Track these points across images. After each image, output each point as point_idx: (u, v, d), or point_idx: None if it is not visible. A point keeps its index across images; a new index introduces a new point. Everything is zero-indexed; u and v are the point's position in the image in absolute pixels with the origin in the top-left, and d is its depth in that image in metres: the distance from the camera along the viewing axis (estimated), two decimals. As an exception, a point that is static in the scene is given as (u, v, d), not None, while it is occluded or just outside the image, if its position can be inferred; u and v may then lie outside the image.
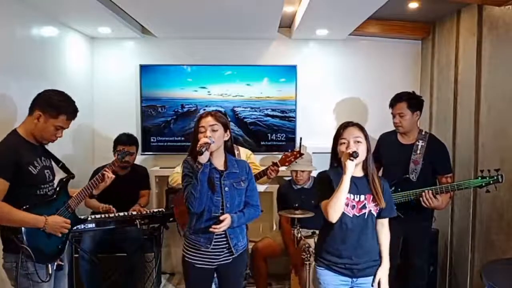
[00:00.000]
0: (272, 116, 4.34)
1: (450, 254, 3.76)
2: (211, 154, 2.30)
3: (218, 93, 4.31)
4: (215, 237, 2.34)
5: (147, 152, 4.32)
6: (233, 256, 2.40)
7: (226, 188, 2.35)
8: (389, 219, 2.34)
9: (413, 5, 3.62)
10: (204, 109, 4.16)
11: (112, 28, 3.95)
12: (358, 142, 2.20)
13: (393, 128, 3.19)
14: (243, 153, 3.48)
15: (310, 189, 3.68)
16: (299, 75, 4.32)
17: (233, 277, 2.46)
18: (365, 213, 2.22)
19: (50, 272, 2.28)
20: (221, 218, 2.28)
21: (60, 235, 2.33)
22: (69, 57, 3.91)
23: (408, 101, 3.07)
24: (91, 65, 4.36)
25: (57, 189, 2.42)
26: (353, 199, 2.21)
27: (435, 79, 4.09)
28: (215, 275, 2.48)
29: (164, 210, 3.60)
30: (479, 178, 2.78)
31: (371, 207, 2.22)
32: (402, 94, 3.13)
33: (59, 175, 2.53)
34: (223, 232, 2.35)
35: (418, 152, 3.04)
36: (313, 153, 3.78)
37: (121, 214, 3.41)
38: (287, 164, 3.32)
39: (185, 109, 4.31)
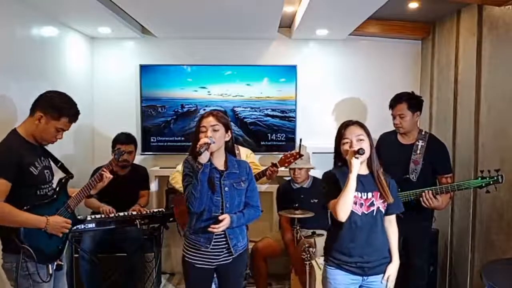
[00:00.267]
0: (272, 116, 4.34)
1: (450, 254, 3.76)
2: (211, 154, 2.30)
3: (218, 93, 4.31)
4: (214, 237, 2.34)
5: (147, 152, 4.32)
6: (233, 256, 2.40)
7: (226, 188, 2.35)
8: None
9: (413, 5, 3.62)
10: (204, 109, 4.16)
11: (112, 28, 3.95)
12: (361, 140, 2.20)
13: (393, 128, 3.19)
14: (243, 152, 3.48)
15: (309, 189, 3.68)
16: (299, 75, 4.32)
17: (232, 277, 2.46)
18: (373, 210, 2.21)
19: (51, 272, 2.28)
20: (220, 218, 2.28)
21: (61, 235, 2.34)
22: (69, 57, 3.91)
23: (408, 102, 3.07)
24: (91, 65, 4.37)
25: (57, 189, 2.43)
26: (361, 197, 2.20)
27: (435, 79, 4.09)
28: (215, 275, 2.48)
29: (164, 210, 3.60)
30: (479, 178, 2.78)
31: (379, 204, 2.22)
32: (402, 95, 3.13)
33: (58, 174, 2.53)
34: (223, 232, 2.35)
35: (418, 152, 3.04)
36: (313, 153, 3.78)
37: (121, 214, 3.41)
38: (286, 165, 3.32)
39: (185, 109, 4.31)
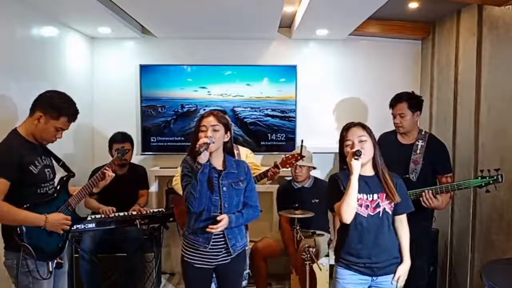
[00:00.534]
0: (272, 116, 4.34)
1: (450, 254, 3.76)
2: (210, 154, 2.30)
3: (218, 93, 4.31)
4: (213, 237, 2.34)
5: (147, 152, 4.32)
6: (231, 256, 2.40)
7: (224, 188, 2.35)
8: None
9: (413, 5, 3.62)
10: (204, 109, 4.16)
11: (112, 28, 3.95)
12: (363, 141, 2.20)
13: (393, 128, 3.19)
14: (243, 152, 3.48)
15: (311, 189, 3.68)
16: (299, 75, 4.32)
17: (232, 277, 2.46)
18: (379, 211, 2.21)
19: (51, 269, 2.29)
20: (219, 218, 2.28)
21: (61, 232, 2.35)
22: (69, 57, 3.91)
23: (409, 101, 3.07)
24: (91, 65, 4.37)
25: (58, 187, 2.44)
26: (366, 198, 2.20)
27: (435, 79, 4.09)
28: (215, 275, 2.48)
29: (164, 210, 3.60)
30: (479, 178, 2.78)
31: (385, 205, 2.22)
32: (402, 94, 3.13)
33: (60, 173, 2.54)
34: (221, 232, 2.35)
35: (418, 152, 3.04)
36: (313, 153, 3.78)
37: (121, 214, 3.41)
38: (287, 166, 3.32)
39: (185, 109, 4.31)
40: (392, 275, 2.25)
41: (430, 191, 2.85)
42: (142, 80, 4.29)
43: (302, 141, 3.36)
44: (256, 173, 3.29)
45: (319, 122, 4.40)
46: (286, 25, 4.27)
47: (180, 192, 3.23)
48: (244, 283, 3.42)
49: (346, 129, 2.27)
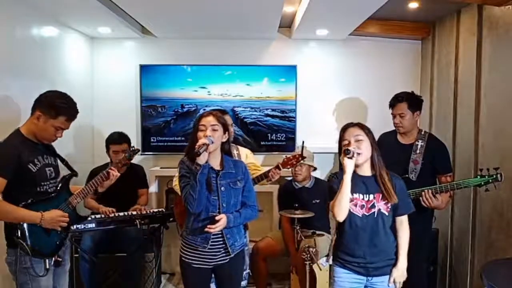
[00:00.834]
0: (272, 116, 4.34)
1: (450, 254, 3.76)
2: (208, 154, 2.30)
3: (218, 93, 4.31)
4: (212, 237, 2.34)
5: (147, 152, 4.32)
6: (230, 256, 2.40)
7: (222, 188, 2.35)
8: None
9: (413, 5, 3.62)
10: (204, 109, 4.16)
11: (112, 28, 3.95)
12: (359, 140, 2.21)
13: (393, 128, 3.19)
14: (243, 152, 3.48)
15: (311, 189, 3.68)
16: (299, 75, 4.32)
17: (230, 277, 2.46)
18: (374, 212, 2.21)
19: (48, 267, 2.31)
20: (217, 218, 2.28)
21: (59, 229, 2.36)
22: (69, 57, 3.91)
23: (408, 101, 3.08)
24: (91, 65, 4.37)
25: (59, 186, 2.45)
26: (363, 198, 2.21)
27: (435, 79, 4.09)
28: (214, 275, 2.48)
29: (164, 210, 3.60)
30: (479, 177, 2.78)
31: (381, 206, 2.22)
32: (402, 94, 3.13)
33: (65, 173, 2.56)
34: (220, 232, 2.35)
35: (418, 151, 3.04)
36: (313, 153, 3.78)
37: (121, 214, 3.41)
38: (288, 167, 3.32)
39: (185, 109, 4.31)
40: (388, 276, 2.25)
41: (430, 191, 2.85)
42: (142, 80, 4.29)
43: (303, 142, 3.36)
44: (256, 174, 3.29)
45: (319, 122, 4.40)
46: (286, 25, 4.27)
47: (180, 193, 3.23)
48: (244, 283, 3.42)
49: (344, 129, 2.29)
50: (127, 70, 4.38)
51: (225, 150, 2.45)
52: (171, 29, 4.07)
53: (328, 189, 2.30)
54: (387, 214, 2.24)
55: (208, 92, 4.31)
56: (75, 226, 2.95)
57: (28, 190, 2.30)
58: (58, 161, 2.54)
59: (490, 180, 2.73)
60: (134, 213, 3.45)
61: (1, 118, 2.85)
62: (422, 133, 3.12)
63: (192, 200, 2.24)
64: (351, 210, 2.19)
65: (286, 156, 3.33)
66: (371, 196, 2.22)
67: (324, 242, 3.44)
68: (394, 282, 2.26)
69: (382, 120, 3.48)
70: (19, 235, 2.23)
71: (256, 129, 4.34)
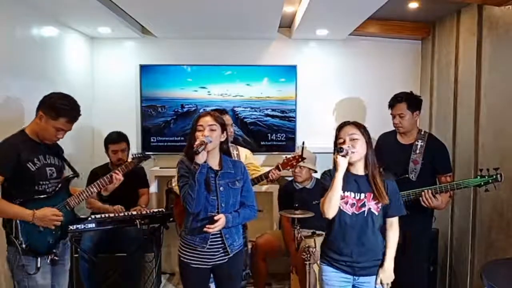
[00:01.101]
0: (272, 116, 4.34)
1: (450, 254, 3.76)
2: (207, 154, 2.30)
3: (218, 93, 4.31)
4: (210, 237, 2.34)
5: (147, 152, 4.30)
6: (229, 256, 2.40)
7: (221, 188, 2.36)
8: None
9: (413, 5, 3.62)
10: (204, 109, 4.16)
11: (112, 28, 3.95)
12: (354, 139, 2.21)
13: (393, 128, 3.19)
14: (243, 153, 3.48)
15: (312, 189, 3.68)
16: (299, 75, 4.32)
17: (229, 277, 2.47)
18: (364, 211, 2.22)
19: (39, 265, 2.31)
20: (216, 218, 2.29)
21: (53, 227, 2.37)
22: (69, 57, 3.91)
23: (408, 101, 3.08)
24: (91, 65, 4.37)
25: (58, 186, 2.47)
26: (354, 197, 2.22)
27: (435, 79, 4.09)
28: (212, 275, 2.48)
29: (164, 210, 3.60)
30: (478, 177, 2.78)
31: (371, 205, 2.22)
32: (401, 94, 3.13)
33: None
34: (219, 232, 2.36)
35: (418, 151, 3.04)
36: (313, 153, 3.77)
37: (121, 214, 3.41)
38: (288, 168, 3.32)
39: (185, 109, 4.31)
40: (374, 276, 2.26)
41: (430, 191, 2.85)
42: (142, 80, 4.29)
43: (303, 142, 3.36)
44: (256, 174, 3.29)
45: (319, 122, 4.40)
46: (286, 25, 4.27)
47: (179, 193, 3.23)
48: (244, 283, 3.42)
49: (339, 127, 2.30)
50: (127, 70, 4.38)
51: (224, 150, 2.45)
52: (171, 29, 4.07)
53: (321, 185, 2.31)
54: (377, 214, 2.24)
55: (208, 92, 4.31)
56: (75, 226, 2.95)
57: (26, 188, 2.33)
58: (62, 162, 2.56)
59: (490, 181, 2.73)
60: (134, 213, 3.44)
61: (1, 118, 2.85)
62: (422, 133, 3.12)
63: (191, 199, 2.25)
64: (341, 208, 2.20)
65: (286, 157, 3.33)
66: (362, 195, 2.23)
67: (324, 242, 3.44)
68: (381, 283, 2.26)
69: (381, 120, 3.48)
70: (13, 232, 2.27)
71: (256, 129, 4.34)
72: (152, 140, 4.33)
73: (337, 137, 2.28)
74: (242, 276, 3.08)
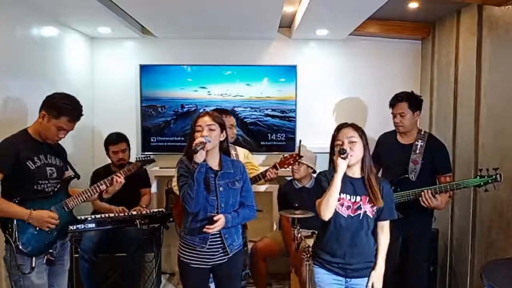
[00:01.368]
0: (272, 116, 4.34)
1: (450, 254, 3.75)
2: (206, 154, 2.30)
3: (218, 93, 4.31)
4: (210, 237, 2.35)
5: (147, 152, 4.31)
6: (228, 256, 2.41)
7: (221, 188, 2.36)
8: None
9: (413, 5, 3.62)
10: (204, 109, 4.16)
11: (112, 28, 3.95)
12: (353, 142, 2.21)
13: (393, 128, 3.19)
14: (241, 153, 3.48)
15: (311, 189, 3.67)
16: (299, 75, 4.32)
17: (229, 277, 2.47)
18: (360, 213, 2.22)
19: (33, 265, 2.31)
20: (215, 218, 2.29)
21: (46, 229, 2.37)
22: (69, 57, 3.91)
23: (409, 101, 3.08)
24: (91, 65, 4.37)
25: (57, 187, 2.47)
26: (349, 199, 2.22)
27: (435, 79, 4.09)
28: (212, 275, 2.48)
29: (164, 210, 3.60)
30: (478, 177, 2.79)
31: (367, 208, 2.23)
32: (402, 94, 3.13)
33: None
34: (218, 232, 2.36)
35: (418, 152, 3.04)
36: (314, 153, 3.77)
37: (121, 214, 3.41)
38: (286, 166, 3.32)
39: (185, 109, 4.31)
40: (366, 278, 2.26)
41: (430, 191, 2.85)
42: (142, 80, 4.29)
43: (300, 141, 3.37)
44: (254, 174, 3.29)
45: (319, 122, 4.40)
46: (286, 25, 4.27)
47: (179, 193, 3.23)
48: (244, 283, 3.42)
49: (337, 129, 2.30)
50: (127, 70, 4.38)
51: (224, 149, 2.45)
52: (171, 29, 4.07)
53: (316, 186, 2.31)
54: (371, 217, 2.25)
55: (208, 92, 4.32)
56: (75, 226, 2.96)
57: (25, 187, 2.34)
58: (64, 162, 2.56)
59: (490, 181, 2.73)
60: (134, 213, 3.45)
61: (1, 118, 2.85)
62: (422, 133, 3.12)
63: (190, 199, 2.25)
64: (337, 210, 2.19)
65: (283, 156, 3.34)
66: (358, 198, 2.22)
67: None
68: (372, 286, 2.26)
69: (382, 120, 3.48)
70: (10, 231, 2.28)
71: (256, 129, 4.34)
72: (152, 140, 4.33)
73: (335, 138, 2.27)
74: (242, 276, 3.08)
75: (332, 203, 2.13)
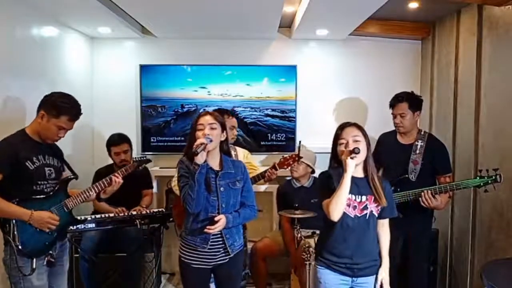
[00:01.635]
0: (272, 116, 4.34)
1: (450, 254, 3.76)
2: (207, 154, 2.29)
3: (218, 93, 4.31)
4: (211, 237, 2.34)
5: (147, 152, 4.31)
6: (229, 256, 2.40)
7: (222, 188, 2.35)
8: (389, 219, 2.34)
9: (413, 5, 3.62)
10: (204, 109, 4.16)
11: (112, 28, 3.95)
12: (357, 141, 2.20)
13: (393, 128, 3.19)
14: (241, 153, 3.48)
15: (310, 188, 3.68)
16: (299, 75, 4.32)
17: (230, 277, 2.47)
18: (366, 213, 2.21)
19: (34, 267, 2.30)
20: (216, 219, 2.28)
21: (47, 230, 2.36)
22: (69, 57, 3.91)
23: (409, 101, 3.08)
24: (91, 65, 4.37)
25: (56, 187, 2.46)
26: (355, 199, 2.20)
27: (435, 79, 4.09)
28: (213, 275, 2.48)
29: (164, 210, 3.60)
30: (478, 178, 2.79)
31: (373, 208, 2.22)
32: (402, 94, 3.13)
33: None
34: (219, 233, 2.35)
35: (418, 152, 3.04)
36: (314, 153, 3.77)
37: (121, 214, 3.41)
38: (285, 167, 3.32)
39: (185, 109, 4.31)
40: (371, 277, 2.26)
41: (429, 191, 2.85)
42: (142, 80, 4.29)
43: (299, 142, 3.37)
44: (253, 174, 3.29)
45: (319, 122, 4.40)
46: (286, 25, 4.26)
47: (179, 193, 3.23)
48: (243, 283, 3.42)
49: (341, 128, 2.27)
50: (127, 70, 4.38)
51: (224, 150, 2.45)
52: (171, 29, 4.07)
53: (320, 187, 2.29)
54: (376, 216, 2.25)
55: (208, 92, 4.32)
56: (75, 226, 2.95)
57: (24, 188, 2.33)
58: (61, 163, 2.55)
59: (490, 181, 2.73)
60: (134, 213, 3.45)
61: (1, 118, 2.85)
62: (422, 133, 3.12)
63: (191, 200, 2.24)
64: (344, 210, 2.18)
65: (283, 156, 3.34)
66: (363, 198, 2.22)
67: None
68: (381, 284, 2.26)
69: (382, 120, 3.48)
70: (9, 232, 2.26)
71: (256, 129, 4.35)
72: (152, 140, 4.33)
73: (338, 137, 2.26)
74: (242, 276, 3.07)
75: (342, 204, 2.11)
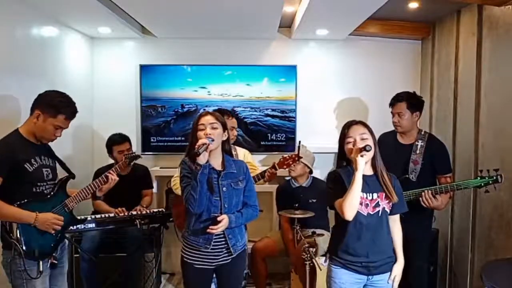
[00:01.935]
0: (272, 116, 4.34)
1: (450, 254, 3.76)
2: (209, 154, 2.29)
3: (218, 93, 4.31)
4: (214, 237, 2.34)
5: (147, 152, 4.32)
6: (232, 256, 2.40)
7: (224, 188, 2.35)
8: None
9: (413, 5, 3.62)
10: (204, 109, 4.16)
11: (112, 28, 3.95)
12: (365, 139, 2.19)
13: (393, 128, 3.19)
14: (241, 153, 3.48)
15: (308, 188, 3.68)
16: (299, 75, 4.32)
17: (232, 277, 2.46)
18: (379, 211, 2.20)
19: (41, 269, 2.28)
20: (219, 219, 2.28)
21: (52, 231, 2.35)
22: (69, 57, 3.91)
23: (408, 101, 3.08)
24: (91, 65, 4.37)
25: (55, 188, 2.44)
26: (366, 197, 2.19)
27: (435, 79, 4.09)
28: (215, 275, 2.48)
29: (164, 210, 3.60)
30: (478, 178, 2.78)
31: (385, 205, 2.21)
32: (403, 94, 3.13)
33: (63, 175, 2.54)
34: (222, 233, 2.35)
35: (418, 152, 3.04)
36: (313, 153, 3.78)
37: (121, 214, 3.41)
38: (285, 167, 3.32)
39: (185, 109, 4.31)
40: (387, 274, 2.25)
41: (430, 191, 2.85)
42: (142, 80, 4.29)
43: (299, 142, 3.37)
44: (252, 174, 3.29)
45: (319, 122, 4.40)
46: (286, 25, 4.27)
47: (178, 193, 3.23)
48: (244, 283, 3.42)
49: (348, 126, 2.26)
50: (127, 70, 4.38)
51: (226, 150, 2.45)
52: (171, 29, 4.06)
53: (330, 187, 2.27)
54: (388, 212, 2.24)
55: (208, 92, 4.32)
56: (75, 227, 2.95)
57: (24, 190, 2.29)
58: (57, 163, 2.52)
59: (490, 182, 2.73)
60: (134, 213, 3.45)
61: (0, 118, 2.85)
62: (422, 133, 3.12)
63: (193, 200, 2.24)
64: (357, 209, 2.17)
65: (282, 156, 3.34)
66: (375, 195, 2.21)
67: (324, 241, 3.44)
68: (393, 279, 2.26)
69: (382, 120, 3.48)
70: (13, 235, 2.22)
71: (256, 129, 4.35)
72: (152, 140, 4.33)
73: (345, 136, 2.24)
74: (244, 276, 3.07)
75: (355, 202, 2.10)
